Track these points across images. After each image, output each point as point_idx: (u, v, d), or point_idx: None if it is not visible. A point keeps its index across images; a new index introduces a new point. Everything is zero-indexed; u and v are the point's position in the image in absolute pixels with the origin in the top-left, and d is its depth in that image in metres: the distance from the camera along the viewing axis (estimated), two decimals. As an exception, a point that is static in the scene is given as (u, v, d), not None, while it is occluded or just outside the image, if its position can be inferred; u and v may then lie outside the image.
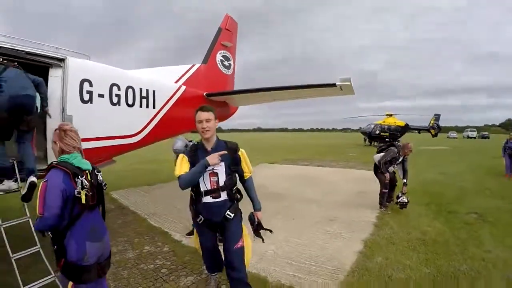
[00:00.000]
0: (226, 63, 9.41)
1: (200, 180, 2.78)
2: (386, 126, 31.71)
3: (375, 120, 33.73)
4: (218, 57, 9.10)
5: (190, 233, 5.04)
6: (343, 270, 3.91)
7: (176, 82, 7.36)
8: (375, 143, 31.74)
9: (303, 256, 4.37)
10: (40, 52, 4.47)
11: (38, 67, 4.54)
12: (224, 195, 2.88)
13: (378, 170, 6.95)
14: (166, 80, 7.02)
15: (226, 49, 9.40)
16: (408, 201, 6.53)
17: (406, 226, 5.60)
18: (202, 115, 2.83)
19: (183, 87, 7.16)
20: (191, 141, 4.64)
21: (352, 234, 5.26)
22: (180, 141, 4.83)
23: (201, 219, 2.93)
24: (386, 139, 28.77)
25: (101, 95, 5.04)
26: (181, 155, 2.84)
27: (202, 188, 2.82)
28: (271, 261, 4.22)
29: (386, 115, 33.22)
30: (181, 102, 6.94)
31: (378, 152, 7.16)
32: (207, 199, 2.85)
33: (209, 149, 2.86)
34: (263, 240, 3.24)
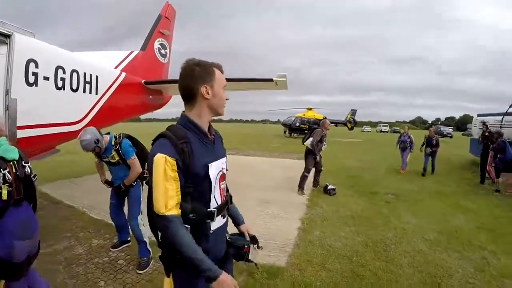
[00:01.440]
0: (163, 51, 9.35)
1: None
2: (306, 119, 34.49)
3: (297, 113, 36.38)
4: (156, 44, 9.02)
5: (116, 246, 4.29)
6: (289, 244, 4.55)
7: (115, 68, 7.19)
8: (295, 134, 34.24)
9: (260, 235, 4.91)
10: None
11: None
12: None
13: (308, 154, 7.80)
14: (108, 66, 6.83)
15: (163, 37, 9.33)
16: (334, 188, 7.56)
17: (335, 205, 6.55)
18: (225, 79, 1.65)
19: (123, 74, 7.02)
20: (109, 133, 3.95)
21: (289, 214, 5.97)
22: (88, 135, 3.64)
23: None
24: (305, 131, 31.34)
25: (46, 78, 4.72)
26: (161, 157, 1.40)
27: (212, 205, 1.60)
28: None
29: (307, 109, 36.20)
30: (122, 89, 6.82)
31: (306, 139, 8.02)
32: (218, 222, 1.65)
33: (210, 135, 1.65)
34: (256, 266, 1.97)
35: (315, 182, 8.12)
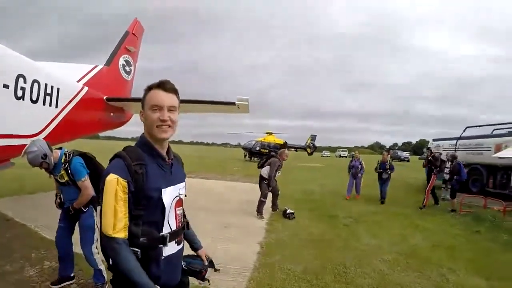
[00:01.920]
0: (127, 68, 9.27)
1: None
2: (266, 143, 35.11)
3: (256, 137, 36.90)
4: (121, 61, 8.93)
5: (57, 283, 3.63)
6: (248, 268, 4.51)
7: (78, 81, 7.01)
8: (255, 158, 34.47)
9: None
10: None
11: None
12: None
13: (262, 181, 7.83)
14: (71, 79, 6.64)
15: (129, 53, 9.28)
16: (293, 212, 7.66)
17: (294, 229, 6.63)
18: (165, 98, 1.51)
19: (86, 88, 6.84)
20: (61, 148, 3.55)
21: (247, 238, 5.94)
22: (35, 148, 3.24)
23: None
24: (265, 155, 31.88)
25: (6, 86, 4.52)
26: (113, 178, 1.39)
27: (166, 230, 1.56)
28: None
29: (266, 133, 36.91)
30: (83, 104, 6.61)
31: (261, 166, 8.06)
32: (171, 248, 1.59)
33: (167, 159, 1.62)
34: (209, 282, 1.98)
35: (274, 207, 8.17)
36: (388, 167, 10.29)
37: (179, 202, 1.66)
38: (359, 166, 10.91)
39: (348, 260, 4.94)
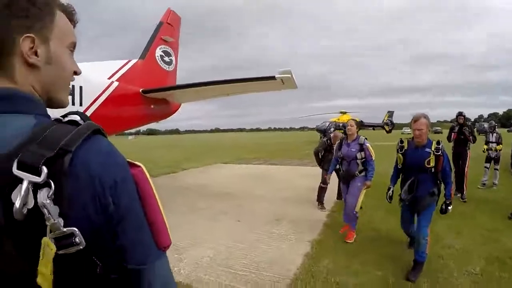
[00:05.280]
0: (166, 58, 8.89)
1: None
2: (340, 124, 32.74)
3: (331, 118, 34.78)
4: (158, 52, 8.58)
5: None
6: (286, 277, 3.59)
7: (109, 78, 6.76)
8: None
9: (243, 262, 4.02)
10: None
11: None
12: None
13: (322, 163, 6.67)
14: (97, 76, 6.38)
15: (167, 44, 8.90)
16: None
17: (358, 224, 5.12)
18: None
19: (116, 83, 6.58)
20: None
21: (299, 234, 5.00)
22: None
23: None
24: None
25: None
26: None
27: None
28: (206, 269, 3.83)
29: (340, 113, 34.42)
30: (113, 99, 6.40)
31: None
32: None
33: None
34: None
35: (339, 195, 6.82)
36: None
37: None
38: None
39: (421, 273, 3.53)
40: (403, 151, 3.78)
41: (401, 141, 3.87)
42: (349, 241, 4.56)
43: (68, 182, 0.61)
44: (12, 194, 0.57)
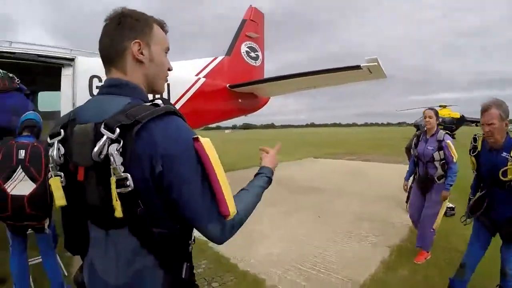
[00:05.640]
0: (252, 54, 9.10)
1: None
2: (440, 118, 29.04)
3: None
4: (243, 48, 8.84)
5: None
6: (354, 283, 3.30)
7: (197, 75, 7.22)
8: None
9: (314, 261, 3.85)
10: (51, 54, 4.87)
11: (52, 68, 5.01)
12: None
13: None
14: (184, 73, 6.90)
15: (252, 40, 9.10)
16: (453, 207, 5.53)
17: (446, 231, 4.59)
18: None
19: (203, 79, 7.01)
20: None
21: (379, 237, 4.58)
22: None
23: None
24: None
25: None
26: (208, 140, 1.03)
27: None
28: (276, 263, 3.78)
29: (440, 106, 30.43)
30: (200, 94, 6.83)
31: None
32: None
33: None
34: None
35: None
36: None
37: None
38: None
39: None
40: (476, 153, 2.71)
41: (475, 139, 2.73)
42: (419, 262, 3.75)
43: (132, 143, 0.87)
44: (96, 144, 0.86)
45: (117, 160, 0.84)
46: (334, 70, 6.34)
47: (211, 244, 4.39)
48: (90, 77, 5.10)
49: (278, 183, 8.79)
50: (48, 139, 1.03)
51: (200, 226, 0.96)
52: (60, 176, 0.99)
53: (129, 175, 0.85)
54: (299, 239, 4.55)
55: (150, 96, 1.05)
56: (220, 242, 1.02)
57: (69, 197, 1.01)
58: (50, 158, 1.00)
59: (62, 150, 0.99)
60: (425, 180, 3.87)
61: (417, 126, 31.99)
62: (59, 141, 1.00)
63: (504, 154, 2.41)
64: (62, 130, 1.01)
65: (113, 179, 0.85)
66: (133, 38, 1.02)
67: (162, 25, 1.12)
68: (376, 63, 5.63)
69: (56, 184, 0.99)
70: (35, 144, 2.78)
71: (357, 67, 5.81)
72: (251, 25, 9.06)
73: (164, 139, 0.89)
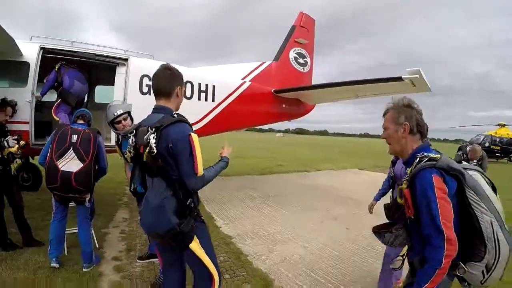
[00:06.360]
0: (301, 60, 9.17)
1: None
2: (498, 139, 26.10)
3: (487, 131, 28.16)
4: (292, 54, 8.94)
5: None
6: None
7: (243, 78, 7.56)
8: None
9: (328, 270, 3.92)
10: (107, 54, 5.66)
11: (109, 66, 5.76)
12: None
13: None
14: (230, 76, 7.29)
15: (301, 46, 9.17)
16: None
17: None
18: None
19: (248, 83, 7.31)
20: None
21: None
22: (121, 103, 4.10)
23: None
24: (497, 154, 24.42)
25: None
26: (196, 135, 2.01)
27: None
28: (290, 266, 3.94)
29: (498, 125, 27.42)
30: (244, 97, 7.15)
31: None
32: None
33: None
34: None
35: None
36: None
37: None
38: None
39: None
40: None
41: None
42: None
43: (160, 135, 1.90)
44: (146, 135, 1.95)
45: (151, 141, 1.90)
46: (375, 80, 6.25)
47: (235, 239, 4.70)
48: (141, 76, 5.75)
49: (316, 190, 8.83)
50: (129, 134, 2.24)
51: (185, 179, 1.95)
52: (130, 151, 2.12)
53: (154, 147, 1.90)
54: (320, 247, 4.63)
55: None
56: (194, 189, 2.02)
57: (136, 161, 2.23)
58: (129, 143, 2.13)
59: (133, 139, 2.06)
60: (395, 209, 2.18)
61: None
62: (133, 135, 2.07)
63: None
64: (134, 130, 2.08)
65: (147, 150, 1.93)
66: (179, 84, 2.11)
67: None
68: (417, 75, 5.40)
69: (129, 154, 2.16)
70: (87, 130, 3.34)
71: (399, 79, 5.64)
72: (301, 31, 9.13)
73: (174, 134, 1.92)
